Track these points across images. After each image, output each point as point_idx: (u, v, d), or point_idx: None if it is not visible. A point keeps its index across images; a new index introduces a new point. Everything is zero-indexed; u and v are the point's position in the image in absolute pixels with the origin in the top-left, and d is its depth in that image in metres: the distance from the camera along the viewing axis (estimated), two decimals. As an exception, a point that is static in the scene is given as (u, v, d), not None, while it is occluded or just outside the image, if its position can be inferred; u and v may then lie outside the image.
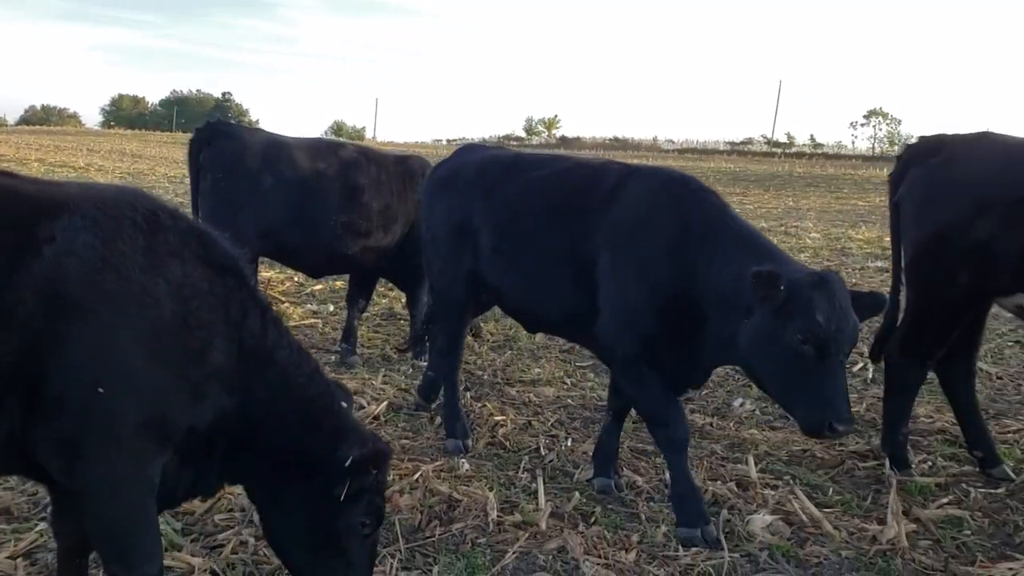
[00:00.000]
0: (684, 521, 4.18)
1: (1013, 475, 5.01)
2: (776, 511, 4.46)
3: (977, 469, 5.10)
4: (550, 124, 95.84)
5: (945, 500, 4.71)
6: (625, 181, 4.50)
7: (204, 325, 2.78)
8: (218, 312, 2.83)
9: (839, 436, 3.81)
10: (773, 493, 4.69)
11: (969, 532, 4.36)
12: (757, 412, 6.13)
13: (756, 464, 5.05)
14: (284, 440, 2.97)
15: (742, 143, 68.68)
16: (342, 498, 2.94)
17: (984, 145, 4.96)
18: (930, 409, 6.08)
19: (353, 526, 3.04)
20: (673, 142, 68.02)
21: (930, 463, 5.23)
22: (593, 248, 4.38)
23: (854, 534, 4.24)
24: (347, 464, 2.93)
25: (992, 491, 4.86)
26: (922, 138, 5.34)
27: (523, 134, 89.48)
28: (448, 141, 73.10)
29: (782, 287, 3.63)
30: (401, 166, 7.36)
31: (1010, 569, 3.93)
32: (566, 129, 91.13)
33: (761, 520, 4.30)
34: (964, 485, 4.92)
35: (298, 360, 3.07)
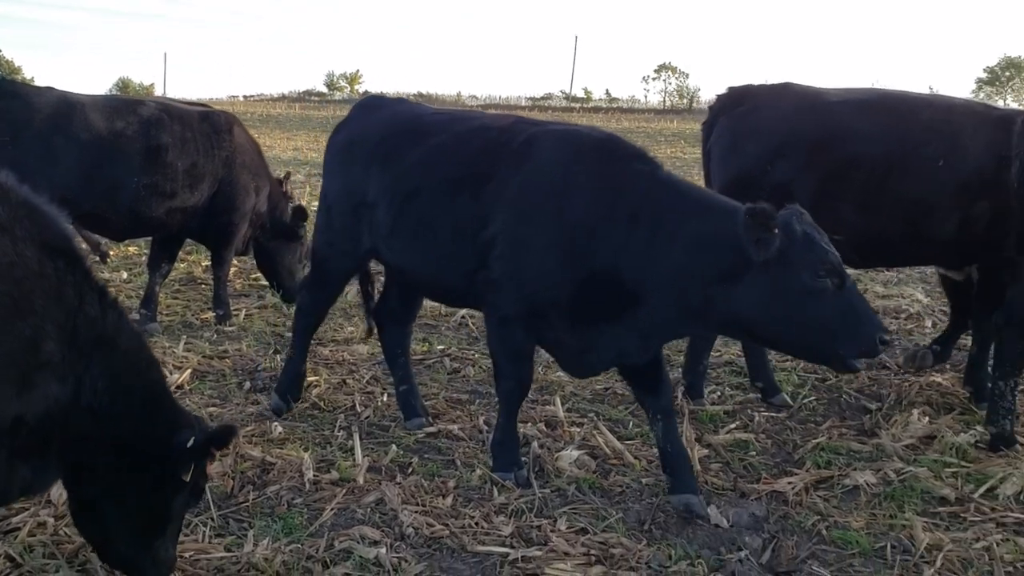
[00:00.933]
0: (499, 466, 4.32)
1: (791, 401, 5.51)
2: (582, 446, 4.70)
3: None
4: (352, 79, 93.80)
5: (733, 426, 5.12)
6: (536, 141, 4.21)
7: (36, 311, 2.57)
8: (51, 297, 2.62)
9: (889, 346, 3.86)
10: (579, 430, 4.94)
11: (755, 453, 4.77)
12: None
13: (563, 404, 5.30)
14: (127, 427, 2.84)
15: (542, 98, 70.05)
16: (187, 479, 2.89)
17: (784, 94, 5.41)
18: (718, 343, 6.54)
19: (182, 506, 3.03)
20: (476, 98, 68.38)
21: (719, 393, 5.66)
22: (497, 210, 4.12)
23: (653, 462, 4.53)
24: (188, 446, 2.85)
25: (774, 415, 5.34)
26: (730, 88, 5.74)
27: (324, 89, 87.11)
28: (245, 97, 70.23)
29: (777, 229, 3.55)
30: (206, 123, 7.03)
31: (789, 483, 4.34)
32: (369, 84, 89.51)
33: (568, 456, 4.52)
34: (750, 411, 5.37)
35: (139, 344, 2.94)
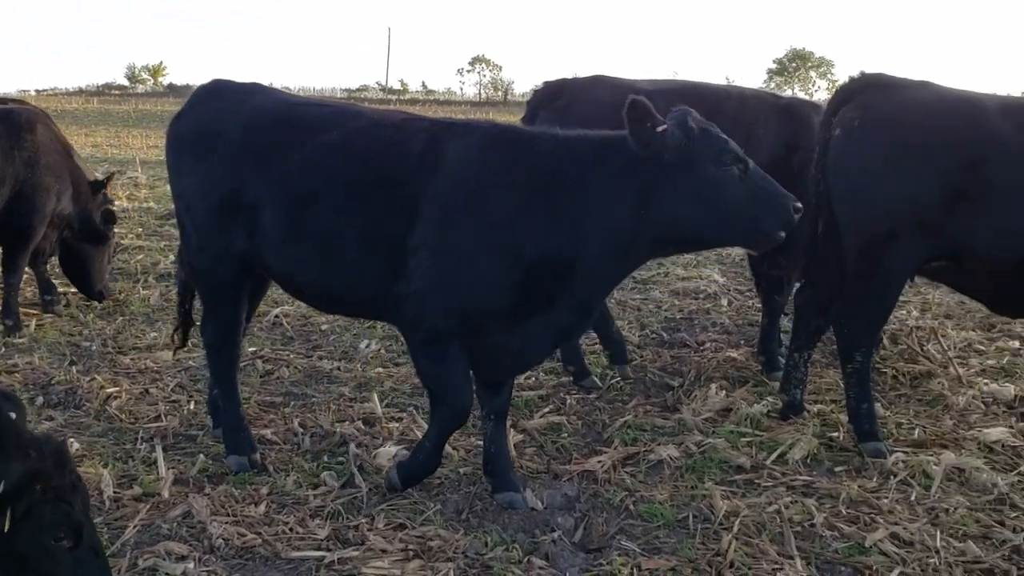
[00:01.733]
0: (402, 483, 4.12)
1: (599, 383, 5.72)
2: (401, 442, 4.70)
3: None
4: (156, 71, 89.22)
5: (547, 409, 5.27)
6: (442, 142, 3.93)
7: None
8: None
9: (800, 214, 3.81)
10: (398, 425, 4.94)
11: (567, 435, 4.93)
12: (382, 352, 6.35)
13: (381, 400, 5.27)
14: None
15: (358, 90, 69.21)
16: (6, 529, 2.52)
17: (599, 86, 5.57)
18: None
19: (42, 547, 2.62)
20: (290, 88, 66.61)
21: (534, 378, 5.80)
22: (415, 217, 3.81)
23: (471, 451, 4.59)
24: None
25: (585, 396, 5.53)
26: (546, 82, 5.87)
27: (126, 82, 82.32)
28: (37, 92, 65.29)
29: (659, 128, 3.59)
30: (6, 122, 6.47)
31: (599, 462, 4.51)
32: (174, 76, 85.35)
33: (387, 452, 4.50)
34: (562, 395, 5.54)
35: None
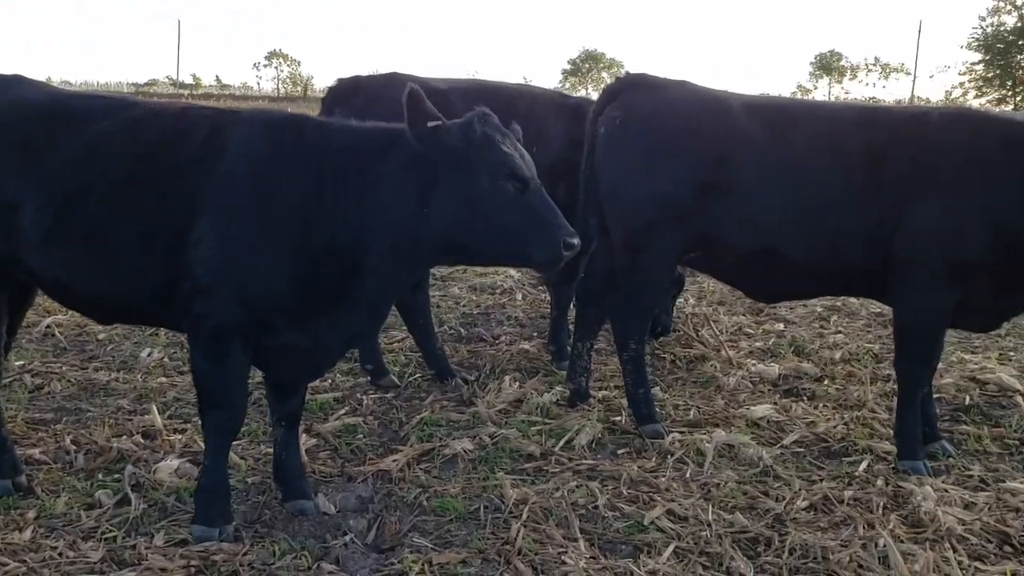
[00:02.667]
0: (203, 519, 3.75)
1: (398, 381, 5.72)
2: (184, 454, 4.50)
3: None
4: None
5: (342, 411, 5.21)
6: (226, 129, 3.71)
7: None
8: None
9: (576, 248, 3.55)
10: (181, 437, 4.72)
11: (362, 436, 4.89)
12: (166, 360, 6.06)
13: (163, 412, 5.02)
14: None
15: (147, 84, 65.39)
16: None
17: (394, 85, 5.48)
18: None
19: None
20: (71, 83, 62.01)
21: (330, 380, 5.71)
22: (198, 209, 3.58)
23: (260, 460, 4.47)
24: None
25: (383, 396, 5.51)
26: (340, 79, 5.77)
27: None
28: None
29: (431, 123, 3.48)
30: None
31: (394, 460, 4.51)
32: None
33: (168, 466, 4.29)
34: (359, 395, 5.50)
35: None
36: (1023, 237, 4.41)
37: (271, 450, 4.19)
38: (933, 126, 4.64)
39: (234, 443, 4.55)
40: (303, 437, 4.65)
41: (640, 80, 5.14)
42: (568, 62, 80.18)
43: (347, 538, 3.77)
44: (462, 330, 6.98)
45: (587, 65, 78.23)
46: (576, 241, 3.56)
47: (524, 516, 3.95)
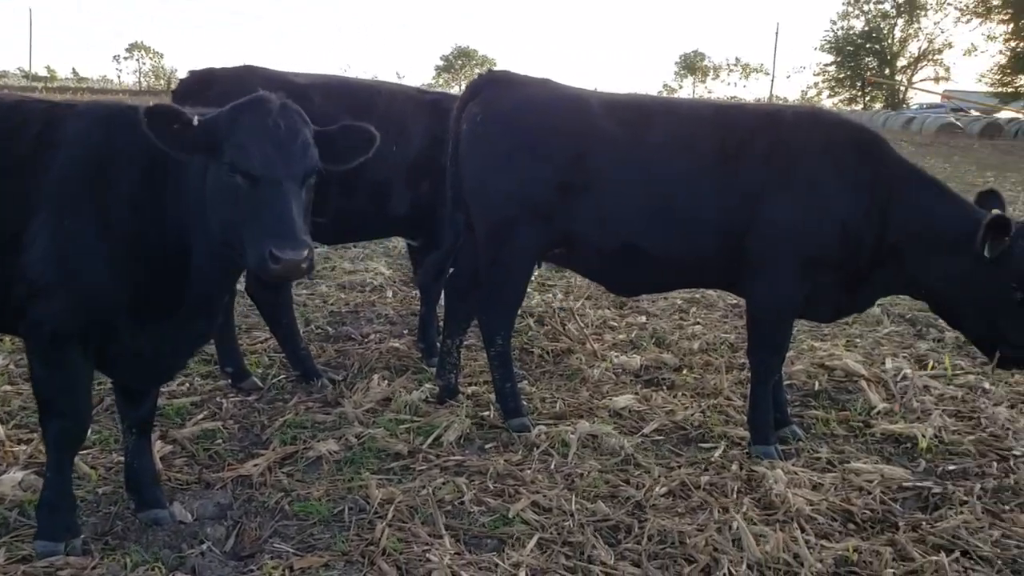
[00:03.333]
0: (47, 533, 3.54)
1: (260, 383, 5.57)
2: (29, 466, 4.25)
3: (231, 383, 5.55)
4: None
5: (200, 416, 5.03)
6: (63, 122, 3.49)
7: None
8: None
9: (291, 264, 3.11)
10: (26, 448, 4.45)
11: (221, 441, 4.74)
12: (11, 367, 5.71)
13: (7, 422, 4.74)
14: None
15: (-4, 76, 61.55)
16: None
17: (249, 78, 5.29)
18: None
19: None
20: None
21: (187, 384, 5.51)
22: (34, 206, 3.37)
23: (112, 469, 4.27)
24: None
25: (244, 399, 5.35)
26: (192, 72, 5.58)
27: None
28: None
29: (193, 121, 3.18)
30: None
31: (255, 465, 4.39)
32: None
33: (11, 479, 4.05)
34: (219, 399, 5.32)
35: None
36: (865, 238, 4.67)
37: (122, 459, 4.01)
38: (786, 124, 4.84)
39: (84, 452, 4.40)
40: (158, 444, 4.49)
41: (501, 77, 5.17)
42: (441, 58, 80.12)
43: (204, 547, 3.65)
44: (329, 329, 6.87)
45: (460, 61, 78.37)
46: (291, 255, 3.11)
47: (389, 516, 3.92)
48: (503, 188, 4.88)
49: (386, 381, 5.63)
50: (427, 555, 3.62)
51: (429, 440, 4.79)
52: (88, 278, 3.39)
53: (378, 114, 5.53)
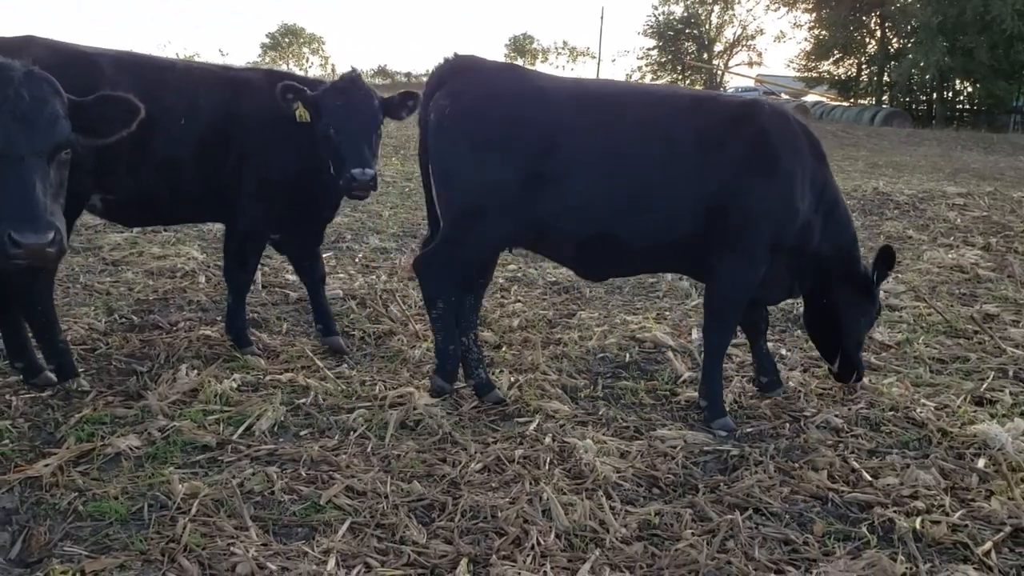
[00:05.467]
0: None
1: (55, 378, 5.19)
2: None
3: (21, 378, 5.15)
4: None
5: (-15, 416, 4.65)
6: None
7: None
8: None
9: (34, 248, 2.85)
10: None
11: (9, 441, 4.39)
12: None
13: None
14: None
15: None
16: None
17: (32, 48, 4.87)
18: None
19: None
20: None
21: (-29, 383, 5.08)
22: None
23: None
24: None
25: (36, 396, 4.98)
26: None
27: None
28: None
29: None
30: None
31: (46, 465, 4.09)
32: None
33: None
34: (8, 396, 4.94)
35: None
36: (807, 224, 5.01)
37: None
38: (765, 114, 4.98)
39: None
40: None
41: (467, 64, 5.01)
42: (267, 36, 77.50)
43: (-16, 557, 3.38)
44: (135, 318, 6.50)
45: (287, 40, 76.03)
46: (32, 241, 2.89)
47: (193, 511, 3.77)
48: (471, 179, 4.79)
49: (195, 371, 5.39)
50: (231, 548, 3.50)
51: (240, 430, 4.63)
52: None
53: (168, 90, 5.29)
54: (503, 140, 4.79)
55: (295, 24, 76.67)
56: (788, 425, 5.15)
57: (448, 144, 4.90)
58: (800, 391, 5.64)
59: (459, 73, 4.99)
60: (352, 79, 5.41)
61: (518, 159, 4.77)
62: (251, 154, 5.49)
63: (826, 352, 5.54)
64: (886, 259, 5.21)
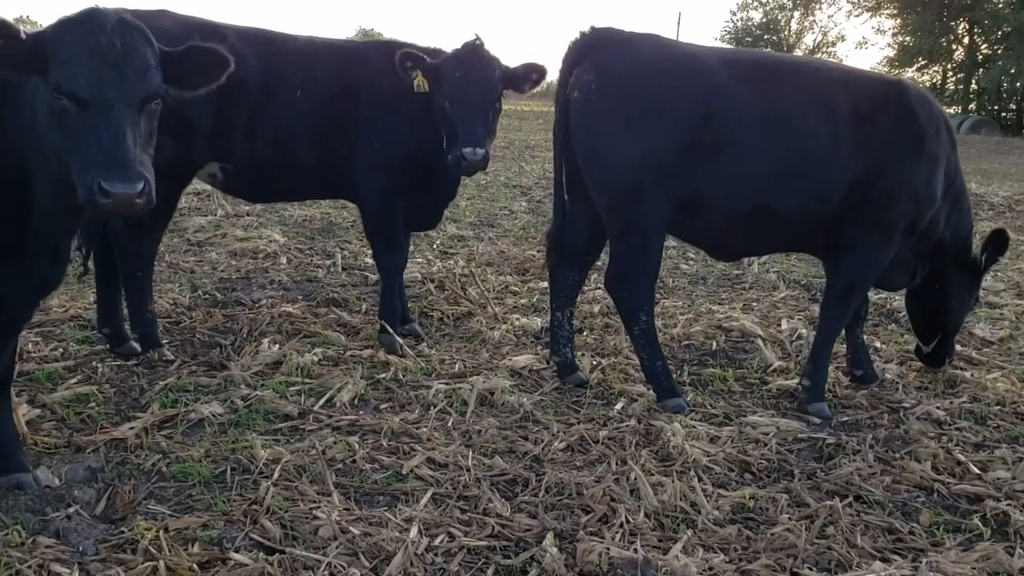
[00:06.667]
0: None
1: (139, 348, 5.22)
2: None
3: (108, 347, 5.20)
4: None
5: (74, 380, 4.70)
6: None
7: None
8: None
9: (122, 199, 2.74)
10: None
11: (95, 404, 4.42)
12: None
13: None
14: None
15: None
16: None
17: (161, 20, 4.93)
18: (64, 299, 6.00)
19: None
20: None
21: (61, 349, 5.16)
22: None
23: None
24: None
25: (122, 364, 5.02)
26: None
27: None
28: None
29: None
30: None
31: (131, 428, 4.10)
32: None
33: None
34: (94, 363, 4.99)
35: None
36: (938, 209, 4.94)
37: None
38: (913, 94, 4.86)
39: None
40: (24, 407, 4.18)
41: (608, 37, 4.79)
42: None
43: (71, 510, 3.38)
44: (218, 295, 6.54)
45: (364, 42, 77.03)
46: (121, 189, 2.76)
47: (275, 475, 3.72)
48: (625, 155, 4.58)
49: (277, 345, 5.38)
50: (314, 512, 3.44)
51: (321, 401, 4.59)
52: None
53: (287, 60, 5.29)
54: (659, 110, 4.57)
55: (372, 29, 77.60)
56: (886, 416, 4.90)
57: (598, 120, 4.66)
58: (898, 383, 5.37)
59: (601, 45, 4.76)
60: (473, 48, 5.18)
61: (677, 129, 4.55)
62: (366, 127, 5.38)
63: (925, 334, 5.37)
64: (999, 242, 5.00)
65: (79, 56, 2.85)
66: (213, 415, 4.33)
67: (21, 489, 3.52)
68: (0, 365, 3.54)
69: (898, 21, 54.23)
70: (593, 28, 4.85)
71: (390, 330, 5.45)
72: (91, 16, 2.95)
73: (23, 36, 2.88)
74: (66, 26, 2.93)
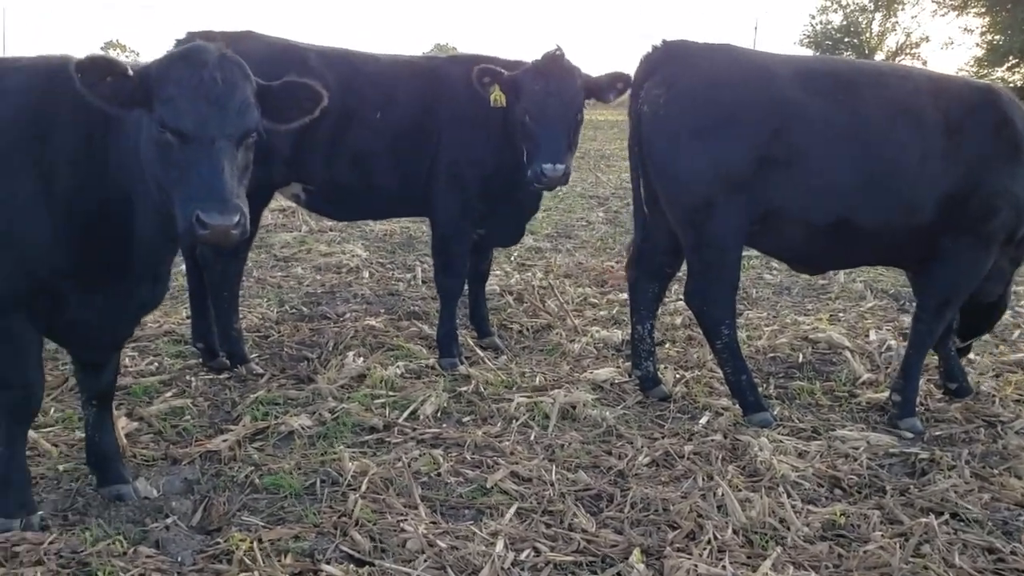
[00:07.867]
0: (1, 510, 3.37)
1: (228, 362, 5.38)
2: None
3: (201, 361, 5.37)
4: None
5: (169, 394, 4.87)
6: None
7: None
8: None
9: (219, 230, 2.84)
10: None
11: (190, 418, 4.58)
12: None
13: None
14: None
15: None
16: None
17: (246, 42, 5.08)
18: (158, 315, 6.21)
19: None
20: None
21: (156, 363, 5.35)
22: None
23: (74, 447, 4.11)
24: None
25: (214, 378, 5.18)
26: (190, 34, 5.27)
27: None
28: None
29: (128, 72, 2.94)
30: None
31: (224, 440, 4.23)
32: None
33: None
34: (188, 377, 5.16)
35: None
36: None
37: (84, 436, 3.85)
38: (1005, 99, 4.75)
39: (46, 429, 4.29)
40: (123, 421, 4.34)
41: (680, 50, 4.79)
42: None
43: (169, 521, 3.49)
44: (304, 309, 6.70)
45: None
46: (218, 222, 2.83)
47: (363, 488, 3.78)
48: (695, 169, 4.59)
49: (361, 358, 5.48)
50: (402, 525, 3.49)
51: (405, 414, 4.66)
52: (27, 243, 3.17)
53: (368, 81, 5.35)
54: (727, 123, 4.54)
55: (447, 44, 78.48)
56: (983, 430, 4.74)
57: (667, 134, 4.66)
58: (994, 395, 5.19)
59: (671, 59, 4.75)
60: (553, 58, 5.10)
61: (746, 142, 4.51)
62: (444, 146, 5.36)
63: (967, 333, 5.33)
64: None
65: (183, 93, 2.95)
66: (302, 427, 4.43)
67: (122, 500, 3.67)
68: (104, 380, 3.70)
69: (987, 19, 52.37)
70: (665, 41, 4.84)
71: (451, 353, 5.50)
72: (194, 52, 3.05)
73: (130, 73, 3.00)
74: (171, 62, 3.04)
